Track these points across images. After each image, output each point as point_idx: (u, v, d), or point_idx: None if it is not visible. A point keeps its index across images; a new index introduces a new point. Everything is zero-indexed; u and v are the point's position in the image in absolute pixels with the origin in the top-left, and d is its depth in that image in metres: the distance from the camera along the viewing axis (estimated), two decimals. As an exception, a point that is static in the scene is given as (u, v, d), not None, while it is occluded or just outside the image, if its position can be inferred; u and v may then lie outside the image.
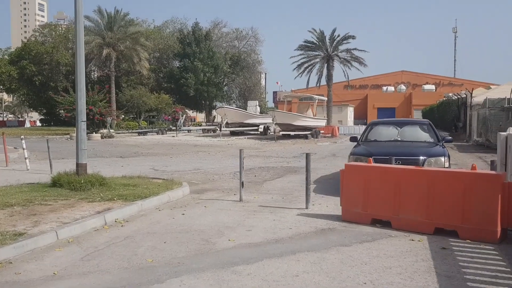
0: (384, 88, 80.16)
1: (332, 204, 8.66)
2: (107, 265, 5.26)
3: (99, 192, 9.00)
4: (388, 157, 8.76)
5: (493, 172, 6.56)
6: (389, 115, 65.46)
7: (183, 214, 7.92)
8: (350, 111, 68.28)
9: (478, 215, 6.02)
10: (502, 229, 5.95)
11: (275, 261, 5.33)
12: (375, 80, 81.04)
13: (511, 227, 6.09)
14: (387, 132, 11.05)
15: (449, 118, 35.14)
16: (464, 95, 33.00)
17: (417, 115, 63.14)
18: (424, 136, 10.72)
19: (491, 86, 42.68)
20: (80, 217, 7.15)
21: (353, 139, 11.44)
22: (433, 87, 77.91)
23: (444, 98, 44.84)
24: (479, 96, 30.31)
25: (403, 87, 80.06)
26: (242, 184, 9.08)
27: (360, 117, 73.15)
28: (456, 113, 34.51)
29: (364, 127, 46.97)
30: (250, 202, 8.92)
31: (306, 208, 8.23)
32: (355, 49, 48.92)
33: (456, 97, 36.71)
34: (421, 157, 9.15)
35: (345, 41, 48.77)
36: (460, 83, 75.40)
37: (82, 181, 9.36)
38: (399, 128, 11.03)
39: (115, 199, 8.48)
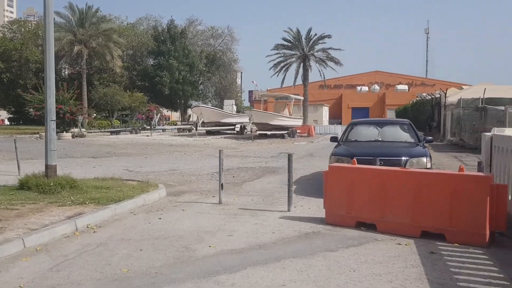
0: (358, 88, 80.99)
1: (314, 206, 8.44)
2: (78, 276, 4.87)
3: (70, 195, 8.53)
4: (372, 158, 8.58)
5: (481, 173, 6.43)
6: (363, 115, 66.12)
7: (160, 218, 7.54)
8: (325, 111, 68.68)
9: (466, 218, 5.86)
10: (490, 232, 5.82)
11: (260, 269, 5.04)
12: (349, 80, 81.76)
13: (498, 230, 5.97)
14: (367, 132, 10.91)
15: (423, 118, 35.56)
16: (438, 95, 33.45)
17: (390, 115, 63.90)
18: (404, 136, 10.63)
19: (463, 87, 43.47)
20: (49, 222, 6.70)
21: (333, 139, 11.26)
22: (406, 87, 79.09)
23: (417, 98, 45.47)
24: (452, 96, 30.78)
25: (376, 87, 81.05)
26: (221, 186, 8.75)
27: (335, 117, 73.67)
28: (430, 113, 34.95)
29: (339, 126, 47.25)
30: (230, 205, 8.60)
31: (288, 210, 7.98)
32: (330, 48, 49.18)
33: (430, 97, 37.22)
34: (403, 158, 9.03)
35: (321, 41, 48.94)
36: (432, 83, 76.77)
37: (52, 184, 8.86)
38: (379, 128, 10.90)
39: (87, 202, 8.03)
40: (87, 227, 6.82)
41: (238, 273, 4.90)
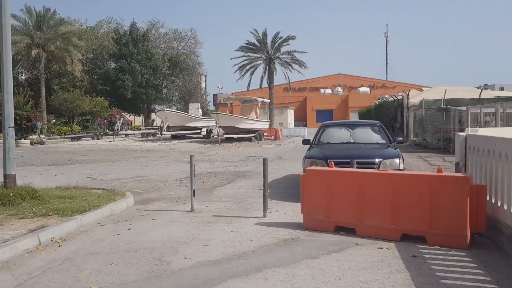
0: (322, 90, 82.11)
1: (289, 211, 8.24)
2: (44, 296, 4.47)
3: (31, 207, 7.98)
4: (349, 160, 8.49)
5: (460, 174, 6.39)
6: (328, 117, 66.85)
7: (129, 229, 7.14)
8: (290, 113, 69.05)
9: (447, 220, 5.79)
10: (470, 234, 5.76)
11: (241, 281, 4.77)
12: (313, 82, 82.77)
13: (478, 231, 5.93)
14: (339, 134, 10.84)
15: (387, 119, 36.19)
16: (401, 97, 34.11)
17: (353, 116, 65.00)
18: (376, 137, 10.62)
19: (422, 88, 44.57)
20: (9, 237, 6.21)
21: (305, 141, 11.13)
22: (368, 89, 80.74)
23: (379, 100, 46.34)
24: (414, 97, 31.41)
25: (340, 89, 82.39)
26: (193, 192, 8.42)
27: (300, 119, 74.28)
28: (393, 114, 35.58)
29: (305, 129, 47.40)
30: (203, 212, 8.28)
31: (264, 216, 7.74)
32: (295, 51, 49.45)
33: (392, 98, 37.94)
34: (376, 159, 8.98)
35: (285, 43, 49.14)
36: (393, 86, 78.80)
37: (11, 195, 8.27)
38: (351, 130, 10.86)
39: (50, 214, 7.52)
40: (52, 240, 6.36)
41: (218, 287, 4.63)
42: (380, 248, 5.85)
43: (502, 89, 56.14)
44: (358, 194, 6.46)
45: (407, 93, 31.76)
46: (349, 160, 8.61)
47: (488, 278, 4.70)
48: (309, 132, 41.20)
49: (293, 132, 43.42)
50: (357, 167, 8.48)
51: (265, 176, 7.75)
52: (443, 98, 24.84)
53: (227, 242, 6.24)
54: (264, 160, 7.84)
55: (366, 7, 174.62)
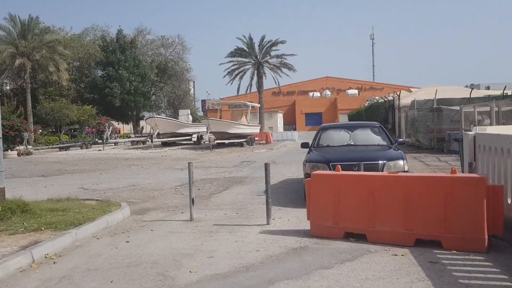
0: (311, 93, 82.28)
1: (293, 217, 7.94)
2: (41, 320, 4.11)
3: (22, 221, 7.56)
4: (355, 163, 8.24)
5: (475, 175, 6.16)
6: (317, 120, 67.05)
7: (128, 241, 6.78)
8: (279, 117, 68.85)
9: (463, 223, 5.54)
10: (488, 236, 5.52)
11: (253, 296, 4.46)
12: (301, 86, 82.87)
13: (495, 233, 5.68)
14: (338, 137, 10.59)
15: (378, 120, 36.07)
16: (391, 98, 34.10)
17: (343, 119, 65.04)
18: (376, 139, 10.40)
19: (411, 89, 44.72)
20: (0, 255, 5.82)
21: (304, 145, 10.84)
22: (356, 91, 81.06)
23: (368, 102, 46.38)
24: (404, 98, 31.43)
25: (328, 92, 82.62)
26: (192, 201, 8.07)
27: (289, 123, 74.18)
28: (384, 116, 35.54)
29: (295, 132, 47.19)
30: (203, 221, 7.95)
31: (268, 223, 7.43)
32: (283, 54, 49.33)
33: (382, 100, 37.94)
34: (380, 161, 8.74)
35: (274, 47, 48.97)
36: (381, 87, 79.18)
37: (0, 209, 7.85)
38: (350, 132, 10.62)
39: (43, 228, 7.12)
40: (46, 257, 5.97)
41: (230, 303, 4.31)
42: (395, 254, 5.57)
43: (488, 88, 56.66)
44: (368, 199, 6.19)
45: (398, 94, 31.73)
46: (355, 163, 8.34)
47: (515, 284, 4.45)
48: (300, 136, 41.09)
49: (283, 136, 43.19)
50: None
51: (267, 182, 7.44)
52: (434, 98, 24.83)
53: (233, 253, 5.91)
54: (266, 166, 7.53)
55: (351, 10, 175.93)
